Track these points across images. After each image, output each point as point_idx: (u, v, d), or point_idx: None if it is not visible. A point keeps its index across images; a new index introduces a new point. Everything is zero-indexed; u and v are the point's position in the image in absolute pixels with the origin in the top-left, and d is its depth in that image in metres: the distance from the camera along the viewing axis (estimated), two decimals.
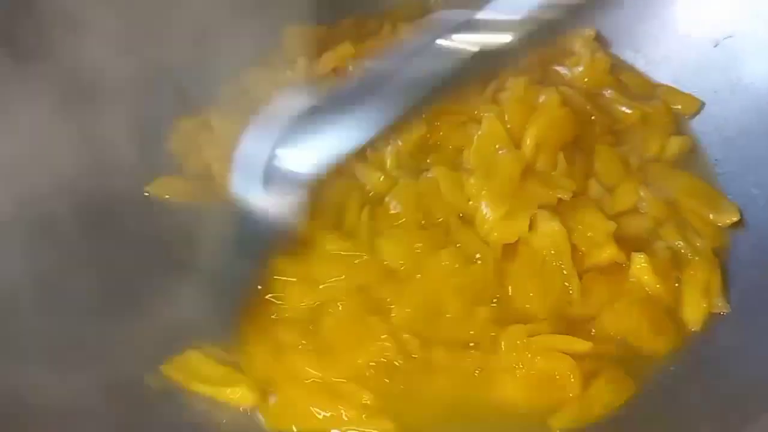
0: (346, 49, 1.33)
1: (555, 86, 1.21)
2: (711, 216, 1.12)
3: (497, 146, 1.11)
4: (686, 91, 1.28)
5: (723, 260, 1.06)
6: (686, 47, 1.29)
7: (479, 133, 1.12)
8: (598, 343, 0.96)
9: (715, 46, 1.25)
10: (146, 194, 1.18)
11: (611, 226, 1.04)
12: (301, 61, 1.30)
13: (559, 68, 1.34)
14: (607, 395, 0.94)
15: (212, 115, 1.27)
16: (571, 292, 1.01)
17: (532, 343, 0.95)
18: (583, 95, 1.24)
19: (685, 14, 1.30)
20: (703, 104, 1.27)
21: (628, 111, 1.24)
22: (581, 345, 0.96)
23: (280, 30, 1.37)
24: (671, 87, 1.31)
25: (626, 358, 0.98)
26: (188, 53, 1.21)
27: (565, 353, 0.94)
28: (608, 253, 1.02)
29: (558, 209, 1.05)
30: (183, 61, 1.22)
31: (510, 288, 1.02)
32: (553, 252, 1.02)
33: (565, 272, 1.02)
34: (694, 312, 1.02)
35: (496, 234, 1.03)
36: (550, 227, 1.03)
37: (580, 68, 1.32)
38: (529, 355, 0.95)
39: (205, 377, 0.96)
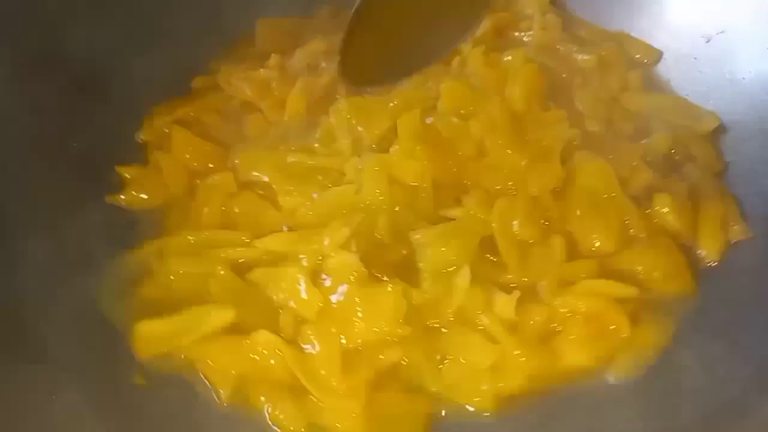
0: (318, 44, 1.28)
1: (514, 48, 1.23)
2: (692, 125, 1.16)
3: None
4: (677, 83, 1.27)
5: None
6: (678, 43, 1.28)
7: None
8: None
9: (708, 41, 1.24)
10: None
11: (640, 148, 1.06)
12: (274, 59, 1.26)
13: (514, 33, 1.33)
14: (653, 335, 0.95)
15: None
16: (627, 221, 1.02)
17: (577, 289, 0.95)
18: (540, 52, 1.25)
19: (677, 9, 1.29)
20: (661, 53, 1.29)
21: (586, 57, 1.26)
22: (627, 290, 0.95)
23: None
24: (627, 34, 1.32)
25: (653, 299, 0.98)
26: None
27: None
28: (645, 176, 1.05)
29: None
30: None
31: (572, 230, 1.02)
32: (602, 186, 1.02)
33: (620, 203, 1.02)
34: (712, 244, 1.03)
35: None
36: (593, 164, 1.03)
37: (534, 30, 1.32)
38: (575, 301, 0.94)
39: (176, 332, 0.95)
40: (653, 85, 1.26)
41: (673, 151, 1.11)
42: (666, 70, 1.28)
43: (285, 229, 1.04)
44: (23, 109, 1.07)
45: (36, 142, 1.08)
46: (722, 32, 1.21)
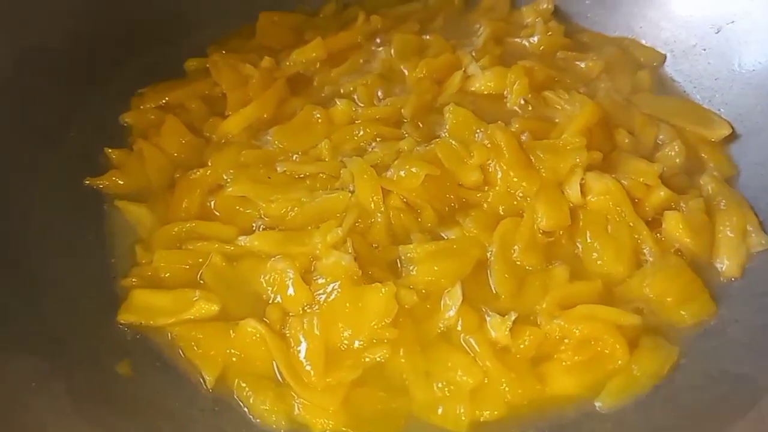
0: (315, 48, 1.28)
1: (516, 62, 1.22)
2: (703, 132, 1.15)
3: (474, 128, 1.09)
4: (685, 77, 1.26)
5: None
6: (687, 32, 1.28)
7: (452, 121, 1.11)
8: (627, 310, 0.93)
9: (717, 32, 1.24)
10: None
11: (657, 167, 1.04)
12: (267, 61, 1.25)
13: (516, 40, 1.33)
14: (651, 363, 0.90)
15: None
16: (639, 241, 1.00)
17: (574, 312, 0.91)
18: (542, 61, 1.25)
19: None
20: (664, 57, 1.30)
21: (591, 64, 1.26)
22: (628, 318, 0.92)
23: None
24: (632, 39, 1.33)
25: (660, 325, 0.95)
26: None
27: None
28: (662, 195, 1.02)
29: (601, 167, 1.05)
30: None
31: (582, 253, 1.00)
32: (614, 207, 1.00)
33: (631, 224, 1.00)
34: (733, 258, 1.00)
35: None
36: (603, 185, 1.01)
37: (536, 38, 1.32)
38: (571, 325, 0.90)
39: (162, 309, 0.95)
40: (662, 85, 1.26)
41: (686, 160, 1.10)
42: (674, 62, 1.29)
43: (262, 228, 1.02)
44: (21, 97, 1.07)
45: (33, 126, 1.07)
46: (732, 23, 1.21)
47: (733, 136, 1.14)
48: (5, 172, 1.01)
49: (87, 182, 1.09)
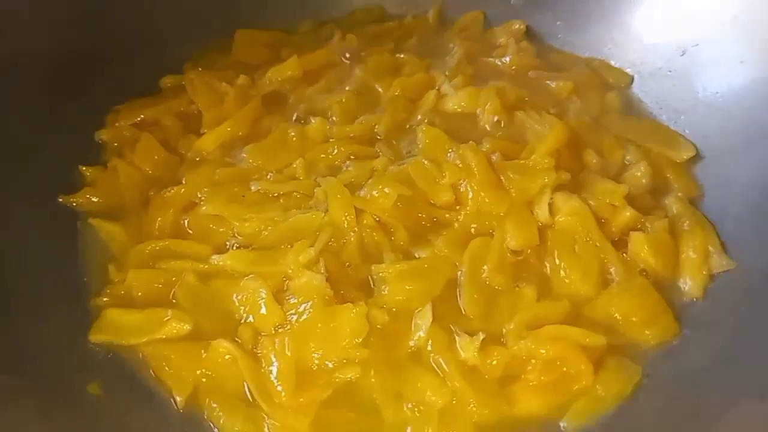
0: (291, 67, 1.29)
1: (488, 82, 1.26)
2: (668, 153, 1.17)
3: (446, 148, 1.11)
4: (652, 98, 1.29)
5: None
6: (654, 54, 1.31)
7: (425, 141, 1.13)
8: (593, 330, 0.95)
9: (682, 54, 1.27)
10: None
11: (623, 188, 1.06)
12: (242, 79, 1.26)
13: (488, 60, 1.36)
14: (616, 384, 0.92)
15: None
16: (606, 261, 1.01)
17: (542, 333, 0.93)
18: (514, 81, 1.28)
19: (651, 21, 1.31)
20: (631, 79, 1.32)
21: (561, 84, 1.28)
22: (594, 338, 0.93)
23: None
24: (602, 60, 1.36)
25: (624, 345, 0.96)
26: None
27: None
28: (628, 215, 1.04)
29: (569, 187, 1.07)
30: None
31: (550, 272, 1.01)
32: (581, 228, 1.02)
33: (598, 245, 1.02)
34: (695, 279, 1.02)
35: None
36: (571, 205, 1.03)
37: (508, 57, 1.35)
38: (538, 346, 0.92)
39: (133, 328, 0.95)
40: (629, 106, 1.29)
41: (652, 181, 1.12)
42: (641, 83, 1.31)
43: (235, 246, 1.03)
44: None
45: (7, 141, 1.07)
46: (696, 45, 1.23)
47: (697, 158, 1.17)
48: None
49: (60, 200, 1.09)
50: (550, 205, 1.04)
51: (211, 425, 0.89)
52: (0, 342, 0.90)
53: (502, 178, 1.07)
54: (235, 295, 0.97)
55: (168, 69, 1.30)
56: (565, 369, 0.92)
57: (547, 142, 1.10)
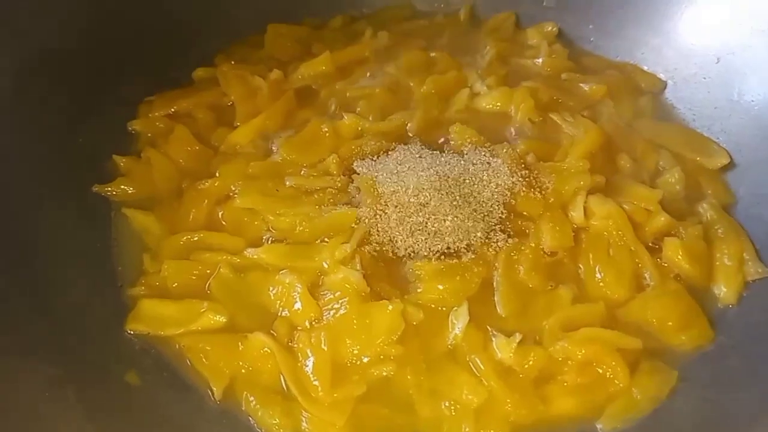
0: (323, 63, 1.29)
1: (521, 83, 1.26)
2: (702, 160, 1.17)
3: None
4: (685, 104, 1.29)
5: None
6: (688, 61, 1.31)
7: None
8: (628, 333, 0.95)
9: (717, 61, 1.27)
10: None
11: (658, 193, 1.07)
12: (275, 74, 1.26)
13: (521, 60, 1.36)
14: (651, 387, 0.92)
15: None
16: (640, 265, 1.02)
17: (578, 335, 0.93)
18: (546, 83, 1.28)
19: (688, 28, 1.32)
20: (665, 84, 1.33)
21: (594, 87, 1.29)
22: (630, 341, 0.94)
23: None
24: (634, 64, 1.36)
25: (659, 349, 0.97)
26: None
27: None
28: (663, 220, 1.04)
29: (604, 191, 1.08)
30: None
31: (584, 274, 1.02)
32: (616, 231, 1.03)
33: (632, 249, 1.02)
34: (731, 286, 1.02)
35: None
36: (606, 208, 1.03)
37: (540, 59, 1.35)
38: (574, 347, 0.92)
39: (169, 319, 0.96)
40: (662, 112, 1.29)
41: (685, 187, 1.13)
42: (674, 89, 1.31)
43: (270, 240, 1.03)
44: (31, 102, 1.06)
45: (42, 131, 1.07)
46: (732, 53, 1.23)
47: (730, 165, 1.17)
48: (13, 178, 1.02)
49: (95, 189, 1.10)
50: (584, 207, 1.05)
51: (249, 418, 0.89)
52: (38, 332, 0.91)
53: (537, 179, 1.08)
54: (270, 289, 0.98)
55: (200, 61, 1.31)
56: (600, 371, 0.93)
57: (583, 145, 1.11)
